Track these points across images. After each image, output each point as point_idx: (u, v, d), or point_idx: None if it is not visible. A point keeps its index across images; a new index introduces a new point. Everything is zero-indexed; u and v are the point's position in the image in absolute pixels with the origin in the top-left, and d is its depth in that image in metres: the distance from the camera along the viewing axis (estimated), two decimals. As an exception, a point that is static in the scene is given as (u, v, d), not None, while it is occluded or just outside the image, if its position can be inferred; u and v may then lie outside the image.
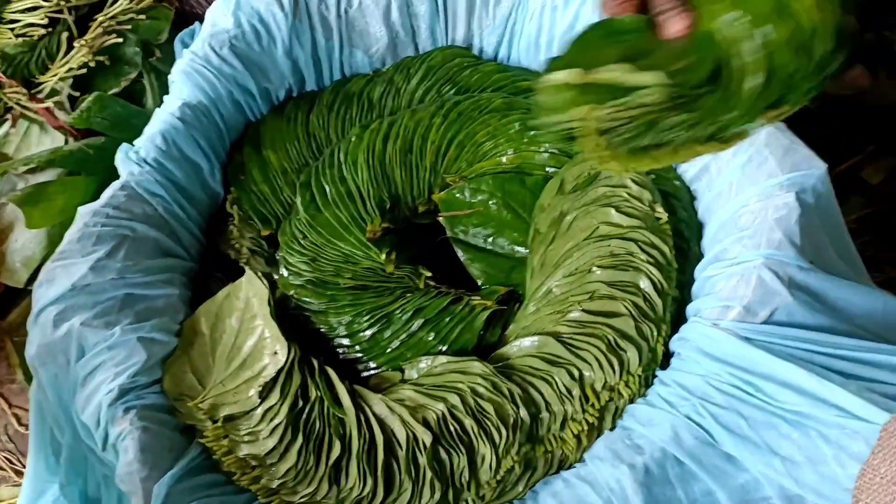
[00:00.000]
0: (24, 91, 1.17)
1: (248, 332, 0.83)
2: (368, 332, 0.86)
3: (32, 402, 0.81)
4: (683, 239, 0.86)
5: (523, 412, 0.76)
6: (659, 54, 0.61)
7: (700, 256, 0.85)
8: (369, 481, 0.77)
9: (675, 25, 0.64)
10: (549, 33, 0.99)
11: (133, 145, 0.90)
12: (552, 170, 0.88)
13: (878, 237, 1.32)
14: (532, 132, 0.90)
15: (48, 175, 1.13)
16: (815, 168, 0.74)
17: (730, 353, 0.71)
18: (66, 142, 1.18)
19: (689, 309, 0.79)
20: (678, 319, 0.80)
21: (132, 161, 0.88)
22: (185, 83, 0.94)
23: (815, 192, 0.74)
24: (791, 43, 0.57)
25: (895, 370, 0.67)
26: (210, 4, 0.98)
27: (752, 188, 0.77)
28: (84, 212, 0.84)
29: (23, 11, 1.19)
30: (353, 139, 0.94)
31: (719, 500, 0.70)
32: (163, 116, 0.92)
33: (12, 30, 1.19)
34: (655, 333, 0.77)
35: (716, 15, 0.59)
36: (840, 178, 1.18)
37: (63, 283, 0.79)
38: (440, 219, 0.90)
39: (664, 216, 0.81)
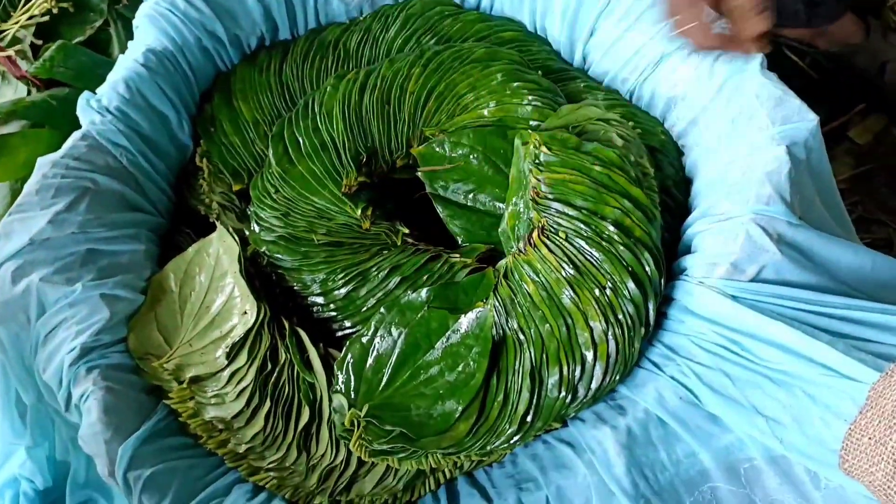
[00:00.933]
0: (-16, 39, 1.12)
1: (217, 289, 0.80)
2: (343, 290, 0.83)
3: (-4, 363, 0.78)
4: (670, 195, 0.83)
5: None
6: None
7: (687, 212, 0.82)
8: (342, 450, 0.75)
9: (755, 26, 0.64)
10: (533, -19, 0.96)
11: (95, 93, 0.86)
12: (535, 123, 0.84)
13: (866, 198, 1.31)
14: (515, 84, 0.87)
15: (10, 127, 1.09)
16: (806, 120, 0.71)
17: (716, 311, 0.69)
18: (29, 92, 1.13)
19: (675, 267, 0.77)
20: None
21: (93, 109, 0.84)
22: (149, 28, 0.89)
23: (807, 145, 0.71)
24: None
25: (884, 329, 0.65)
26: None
27: (742, 141, 0.74)
28: (43, 162, 0.79)
29: (-18, -45, 1.13)
30: (328, 89, 0.90)
31: (702, 462, 0.68)
32: (126, 63, 0.87)
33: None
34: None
35: None
36: (828, 138, 1.16)
37: (21, 237, 0.75)
38: (419, 174, 0.87)
39: (650, 171, 0.78)
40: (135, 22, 0.91)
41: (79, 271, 0.76)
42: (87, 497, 0.85)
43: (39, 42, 1.14)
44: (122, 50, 1.14)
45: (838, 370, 0.62)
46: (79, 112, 0.84)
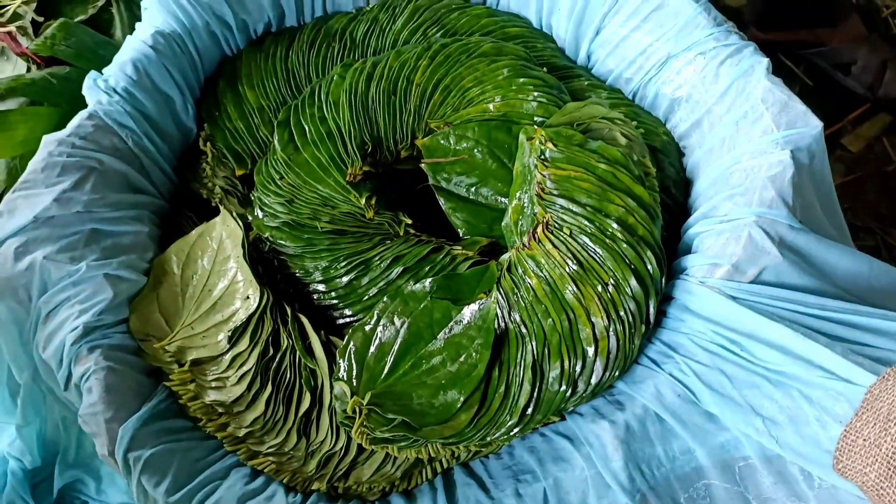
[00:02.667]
0: (-15, 13, 1.11)
1: (219, 273, 0.80)
2: (345, 279, 0.83)
3: (-11, 338, 0.77)
4: (669, 195, 0.84)
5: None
6: None
7: (686, 213, 0.83)
8: (342, 437, 0.75)
9: None
10: (541, -22, 0.96)
11: (102, 73, 0.85)
12: (540, 119, 0.85)
13: (856, 204, 1.33)
14: (521, 79, 0.87)
15: (8, 104, 1.08)
16: (811, 126, 0.72)
17: (716, 311, 0.70)
18: (29, 69, 1.12)
19: (676, 266, 0.78)
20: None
21: (100, 89, 0.83)
22: (158, 10, 0.89)
23: (810, 151, 0.72)
24: None
25: (881, 333, 0.67)
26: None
27: (745, 144, 0.75)
28: (49, 140, 0.79)
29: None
30: (335, 78, 0.90)
31: (698, 459, 0.69)
32: (134, 44, 0.87)
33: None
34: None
35: None
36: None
37: (25, 214, 0.75)
38: (423, 165, 0.87)
39: (652, 170, 0.79)
40: (143, 3, 0.91)
41: (83, 250, 0.76)
42: (76, 477, 0.85)
43: (41, 19, 1.13)
44: (124, 31, 1.14)
45: (835, 372, 0.63)
46: (85, 91, 0.84)
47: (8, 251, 0.74)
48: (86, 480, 0.86)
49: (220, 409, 0.77)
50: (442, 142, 0.87)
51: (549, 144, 0.76)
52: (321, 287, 0.84)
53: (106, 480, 0.86)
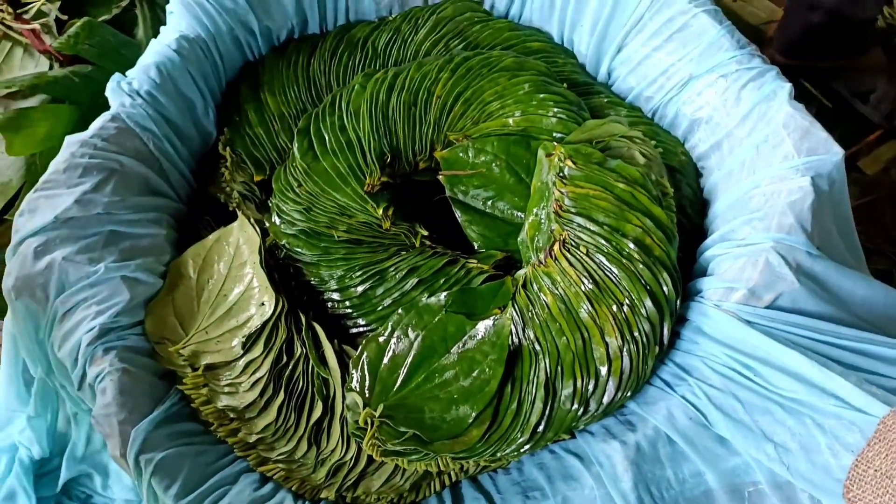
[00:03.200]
0: (10, 10, 1.12)
1: (235, 279, 0.81)
2: (360, 288, 0.84)
3: (6, 332, 0.78)
4: (686, 216, 0.84)
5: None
6: None
7: (702, 234, 0.83)
8: (352, 447, 0.75)
9: None
10: (565, -6, 0.97)
11: (126, 75, 0.86)
12: (559, 135, 0.85)
13: (870, 227, 1.32)
14: (541, 95, 0.87)
15: (30, 101, 1.09)
16: (832, 154, 0.72)
17: (731, 335, 0.70)
18: (51, 67, 1.13)
19: (691, 288, 0.78)
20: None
21: (124, 92, 0.84)
22: (183, 15, 0.89)
23: (830, 178, 0.72)
24: None
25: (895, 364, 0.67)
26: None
27: (766, 169, 0.75)
28: (71, 141, 0.80)
29: (12, -75, 1.13)
30: (356, 87, 0.90)
31: (708, 482, 0.69)
32: (158, 48, 0.87)
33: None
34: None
35: None
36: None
37: (46, 214, 0.75)
38: (440, 177, 0.88)
39: (670, 190, 0.79)
40: (168, 7, 0.91)
41: (101, 252, 0.77)
42: (83, 472, 0.86)
43: (65, 17, 1.14)
44: (147, 32, 1.14)
45: (849, 402, 0.63)
46: (108, 93, 0.84)
47: (28, 250, 0.74)
48: (92, 475, 0.87)
49: (232, 415, 0.77)
50: (461, 154, 0.87)
51: (569, 162, 0.76)
52: (336, 296, 0.84)
53: (113, 477, 0.86)
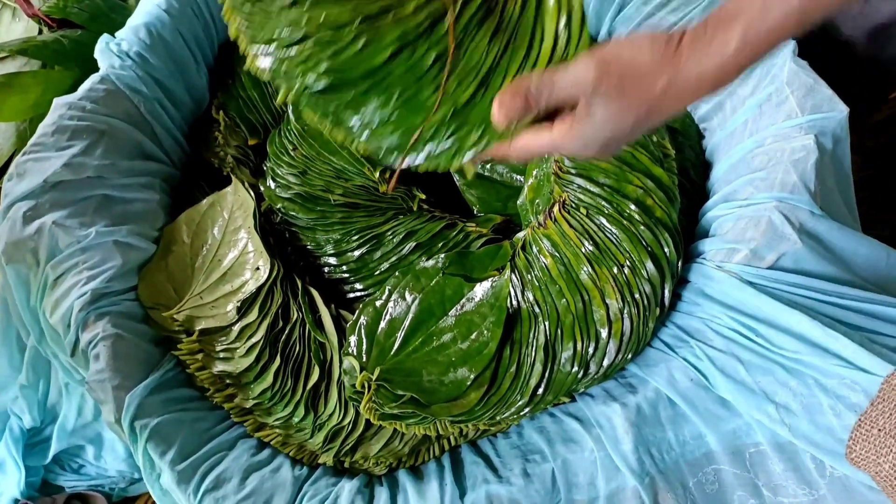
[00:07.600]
0: (-3, -27, 1.09)
1: (230, 244, 0.80)
2: (357, 253, 0.82)
3: (-2, 299, 0.77)
4: (688, 178, 0.83)
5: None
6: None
7: (704, 195, 0.82)
8: (350, 411, 0.75)
9: None
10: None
11: (115, 36, 0.84)
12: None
13: (872, 198, 1.31)
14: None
15: (16, 65, 1.07)
16: (836, 111, 0.71)
17: (733, 296, 0.69)
18: (41, 31, 1.10)
19: (692, 249, 0.77)
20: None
21: (113, 53, 0.82)
22: (173, -27, 0.87)
23: (835, 137, 0.71)
24: None
25: (899, 324, 0.66)
26: None
27: (769, 128, 0.73)
28: (60, 103, 0.78)
29: None
30: (351, 48, 0.88)
31: (708, 444, 0.68)
32: (148, 7, 0.86)
33: None
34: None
35: None
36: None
37: (35, 177, 0.74)
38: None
39: (672, 152, 0.78)
40: (158, -34, 0.89)
41: (92, 216, 0.75)
42: (74, 443, 0.85)
43: (53, -20, 1.11)
44: (138, -5, 1.12)
45: (853, 361, 0.62)
46: (97, 55, 0.83)
47: (17, 214, 0.73)
48: (84, 447, 0.86)
49: (228, 380, 0.76)
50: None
51: None
52: (332, 260, 0.83)
53: (106, 447, 0.86)
